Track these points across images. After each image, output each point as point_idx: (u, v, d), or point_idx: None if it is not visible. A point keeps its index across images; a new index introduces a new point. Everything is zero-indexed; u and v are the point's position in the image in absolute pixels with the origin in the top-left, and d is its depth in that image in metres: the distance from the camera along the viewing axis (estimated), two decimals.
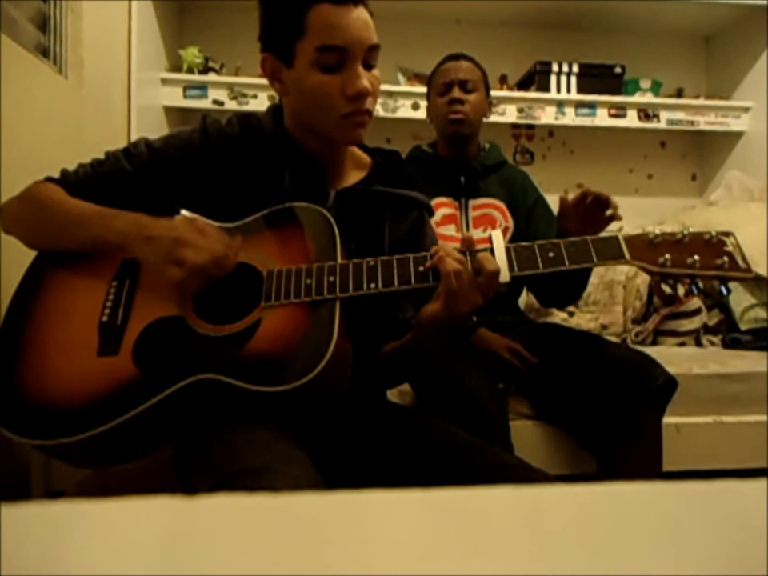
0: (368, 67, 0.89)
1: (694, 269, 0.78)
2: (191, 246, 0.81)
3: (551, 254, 0.80)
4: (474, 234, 1.46)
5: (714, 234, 0.80)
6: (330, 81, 0.87)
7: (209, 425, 0.77)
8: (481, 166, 1.53)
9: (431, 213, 1.06)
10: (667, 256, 0.79)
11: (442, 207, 1.49)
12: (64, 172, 0.95)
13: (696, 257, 0.78)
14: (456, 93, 1.47)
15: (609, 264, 0.84)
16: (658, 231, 0.81)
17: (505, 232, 1.48)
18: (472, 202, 1.51)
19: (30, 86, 1.29)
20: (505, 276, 0.80)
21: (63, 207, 0.89)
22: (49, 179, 0.94)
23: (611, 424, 1.20)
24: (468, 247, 0.83)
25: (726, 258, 0.78)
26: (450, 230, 1.47)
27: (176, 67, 2.38)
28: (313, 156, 0.95)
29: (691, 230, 0.81)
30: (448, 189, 1.51)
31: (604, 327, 2.14)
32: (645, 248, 0.80)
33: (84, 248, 0.88)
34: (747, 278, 0.79)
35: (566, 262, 0.80)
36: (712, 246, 0.79)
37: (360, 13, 0.87)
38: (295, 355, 0.76)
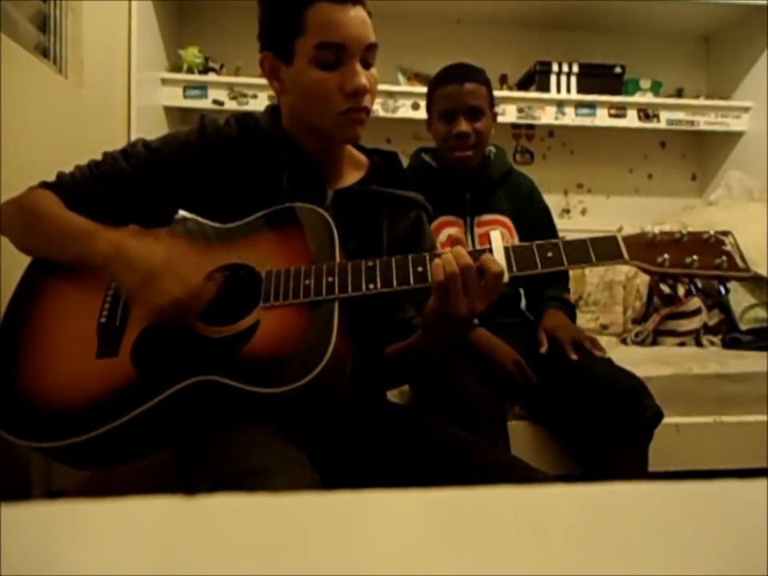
0: (366, 66, 0.89)
1: (692, 268, 0.78)
2: (163, 282, 0.80)
3: (550, 254, 0.80)
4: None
5: (712, 233, 0.79)
6: (328, 78, 0.87)
7: (208, 426, 0.77)
8: (488, 179, 1.48)
9: (429, 213, 1.06)
10: (666, 256, 0.78)
11: (447, 227, 1.44)
12: (60, 175, 0.95)
13: (695, 256, 0.77)
14: (462, 125, 1.37)
15: (607, 264, 0.83)
16: (656, 231, 0.81)
17: None
18: (478, 219, 1.46)
19: (30, 85, 1.29)
20: (504, 277, 0.79)
21: (51, 220, 0.88)
22: (44, 184, 0.94)
23: (597, 449, 1.20)
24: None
25: (724, 258, 0.77)
26: None
27: (176, 67, 2.38)
28: (311, 156, 0.95)
29: (690, 229, 0.81)
30: (453, 206, 1.45)
31: (604, 327, 2.14)
32: (643, 248, 0.80)
33: (69, 263, 0.88)
34: (745, 278, 0.79)
35: (565, 262, 0.79)
36: (710, 245, 0.79)
37: (358, 11, 0.87)
38: (294, 356, 0.76)
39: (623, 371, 1.26)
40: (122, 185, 0.92)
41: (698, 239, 0.79)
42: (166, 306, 0.80)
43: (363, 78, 0.87)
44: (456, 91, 1.39)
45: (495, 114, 1.49)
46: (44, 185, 0.94)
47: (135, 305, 0.83)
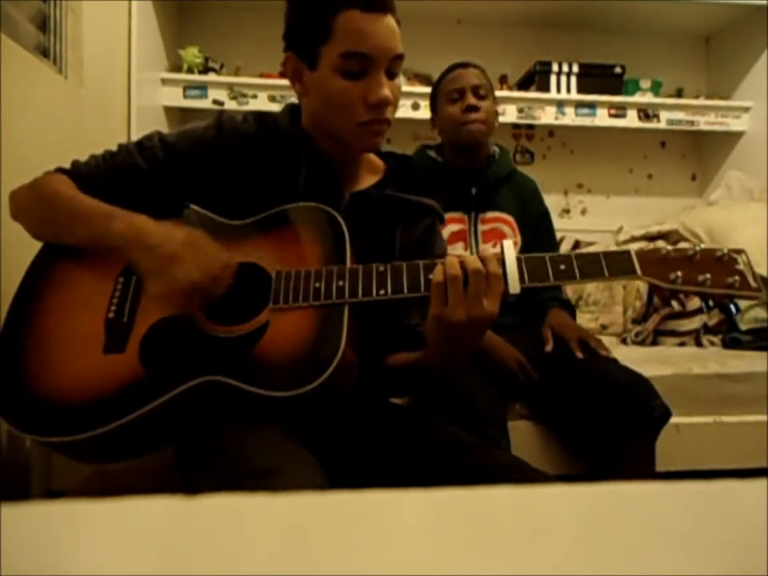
0: (391, 76, 0.88)
1: (704, 287, 0.77)
2: (185, 264, 0.80)
3: (562, 267, 0.79)
4: (484, 249, 1.43)
5: (725, 251, 0.79)
6: (351, 87, 0.86)
7: (214, 426, 0.77)
8: (493, 177, 1.50)
9: (443, 220, 1.06)
10: (679, 273, 0.78)
11: (451, 224, 1.45)
12: (75, 163, 0.95)
13: (707, 275, 0.77)
14: (471, 99, 1.43)
15: (620, 279, 0.83)
16: (670, 247, 0.80)
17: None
18: (482, 216, 1.47)
19: (30, 85, 1.29)
20: (515, 287, 0.78)
21: (69, 202, 0.88)
22: (60, 170, 0.94)
23: (603, 450, 1.20)
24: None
25: (737, 277, 0.77)
26: (458, 248, 1.44)
27: (176, 67, 2.38)
28: (329, 157, 0.95)
29: (703, 246, 0.80)
30: (458, 202, 1.46)
31: (604, 327, 2.14)
32: (656, 264, 0.79)
33: (86, 246, 0.88)
34: (757, 298, 0.78)
35: (577, 276, 0.78)
36: (723, 263, 0.78)
37: (388, 21, 0.86)
38: (303, 360, 0.76)
39: (629, 371, 1.26)
40: (135, 178, 0.92)
41: (710, 257, 0.79)
42: (186, 289, 0.80)
43: (387, 89, 0.86)
44: (462, 73, 1.47)
45: (496, 112, 1.52)
46: (59, 171, 0.94)
47: (153, 287, 0.82)
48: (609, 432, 1.18)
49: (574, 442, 1.31)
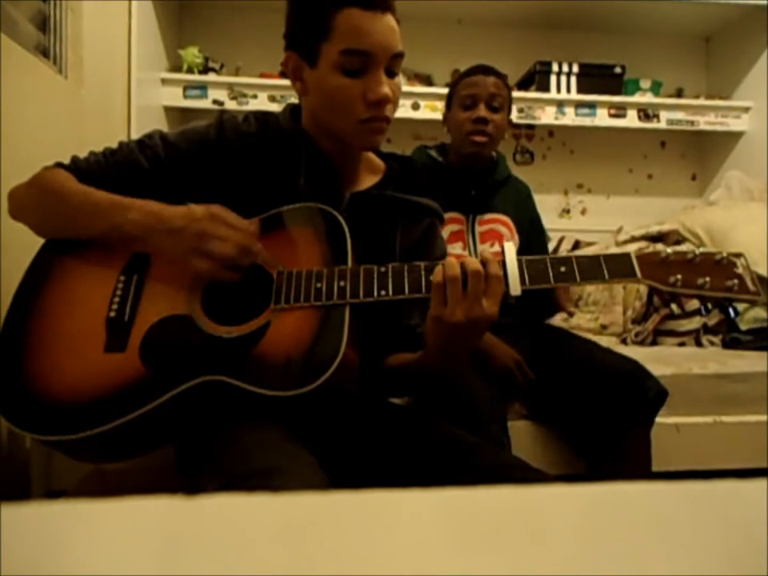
0: (390, 74, 0.89)
1: (703, 290, 0.77)
2: (216, 237, 0.81)
3: (563, 269, 0.79)
4: (484, 250, 1.45)
5: (725, 254, 0.79)
6: (351, 85, 0.87)
7: (215, 425, 0.77)
8: (492, 181, 1.51)
9: (443, 221, 1.06)
10: (678, 276, 0.78)
11: (450, 224, 1.45)
12: (75, 159, 0.95)
13: (707, 278, 0.77)
14: (482, 111, 1.42)
15: (620, 282, 0.83)
16: (669, 250, 0.81)
17: None
18: (479, 218, 1.49)
19: (30, 86, 1.29)
20: (516, 289, 0.78)
21: (75, 195, 0.88)
22: (59, 165, 0.93)
23: (602, 435, 1.21)
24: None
25: (736, 281, 0.77)
26: (456, 248, 1.45)
27: (176, 67, 2.38)
28: (329, 157, 0.95)
29: (702, 249, 0.81)
30: (457, 203, 1.46)
31: (604, 327, 2.14)
32: (656, 267, 0.80)
33: (98, 237, 0.87)
34: (755, 301, 0.79)
35: (578, 278, 0.79)
36: (722, 266, 0.79)
37: (388, 20, 0.87)
38: (304, 360, 0.76)
39: (622, 356, 1.28)
40: (136, 176, 0.92)
41: (710, 260, 0.79)
42: (235, 251, 0.81)
43: (387, 87, 0.87)
44: (481, 80, 1.45)
45: (510, 122, 1.52)
46: (59, 165, 0.93)
47: (195, 264, 0.82)
48: (607, 416, 1.19)
49: (572, 434, 1.32)
